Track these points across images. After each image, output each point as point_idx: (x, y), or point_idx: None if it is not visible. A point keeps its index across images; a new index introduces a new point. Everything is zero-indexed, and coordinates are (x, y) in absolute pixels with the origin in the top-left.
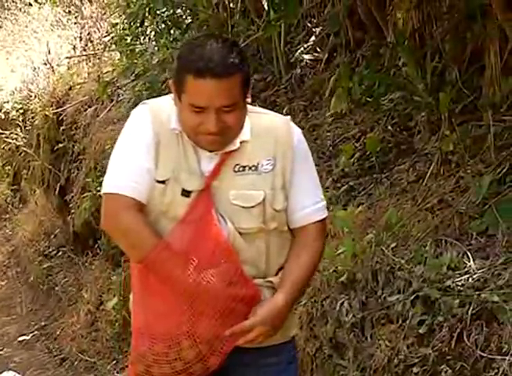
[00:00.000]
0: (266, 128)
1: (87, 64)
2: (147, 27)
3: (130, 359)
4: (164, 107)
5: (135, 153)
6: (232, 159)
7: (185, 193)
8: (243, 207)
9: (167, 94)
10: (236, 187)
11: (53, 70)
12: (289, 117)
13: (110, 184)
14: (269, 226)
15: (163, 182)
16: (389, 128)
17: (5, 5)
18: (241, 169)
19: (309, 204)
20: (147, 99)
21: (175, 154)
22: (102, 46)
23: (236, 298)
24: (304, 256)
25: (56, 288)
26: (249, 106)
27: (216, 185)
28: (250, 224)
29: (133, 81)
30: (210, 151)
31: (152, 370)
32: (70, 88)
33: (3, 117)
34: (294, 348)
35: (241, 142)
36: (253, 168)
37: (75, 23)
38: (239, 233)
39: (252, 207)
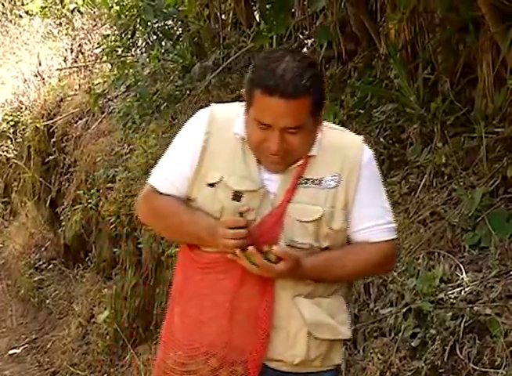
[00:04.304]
0: (336, 144)
1: (78, 76)
2: (138, 38)
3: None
4: (229, 111)
5: (177, 155)
6: (297, 173)
7: (236, 197)
8: (300, 220)
9: (158, 105)
10: (296, 200)
11: (44, 82)
12: (362, 136)
13: (153, 176)
14: (321, 244)
15: (212, 185)
16: (381, 140)
17: None
18: (303, 182)
19: (371, 225)
20: (138, 110)
21: (230, 158)
22: (93, 58)
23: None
24: (352, 249)
25: (47, 301)
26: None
27: (276, 192)
28: (304, 239)
29: (124, 92)
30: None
31: None
32: (61, 100)
33: None
34: None
35: (307, 158)
36: (316, 182)
37: (66, 35)
38: (290, 247)
39: (308, 222)
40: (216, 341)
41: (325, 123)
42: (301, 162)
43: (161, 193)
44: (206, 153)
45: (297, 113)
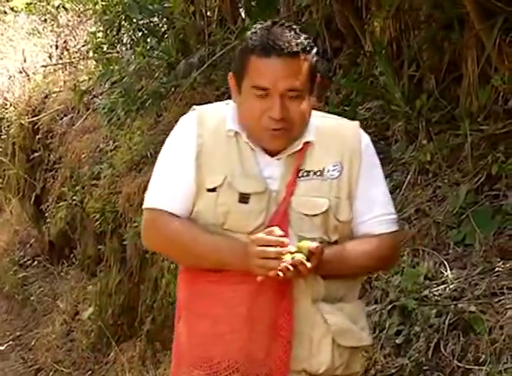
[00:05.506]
0: (332, 131)
1: (63, 73)
2: (123, 35)
3: None
4: (216, 111)
5: (176, 167)
6: (296, 163)
7: (244, 199)
8: (306, 214)
9: (143, 102)
10: (299, 193)
11: (29, 79)
12: (357, 122)
13: (155, 199)
14: (331, 238)
15: (213, 189)
16: None
17: None
18: (305, 174)
19: (375, 215)
20: (122, 107)
21: (227, 158)
22: (79, 54)
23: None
24: (358, 241)
25: (31, 298)
26: (314, 111)
27: (278, 189)
28: (313, 234)
29: (109, 89)
30: (271, 155)
31: None
32: (45, 97)
33: None
34: None
35: (305, 144)
36: (318, 174)
37: (51, 32)
38: None
39: (315, 215)
40: (238, 355)
41: (318, 113)
42: (299, 147)
43: (170, 214)
44: (202, 158)
45: (296, 74)
